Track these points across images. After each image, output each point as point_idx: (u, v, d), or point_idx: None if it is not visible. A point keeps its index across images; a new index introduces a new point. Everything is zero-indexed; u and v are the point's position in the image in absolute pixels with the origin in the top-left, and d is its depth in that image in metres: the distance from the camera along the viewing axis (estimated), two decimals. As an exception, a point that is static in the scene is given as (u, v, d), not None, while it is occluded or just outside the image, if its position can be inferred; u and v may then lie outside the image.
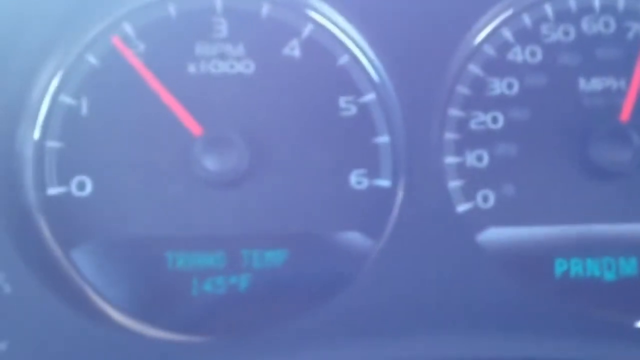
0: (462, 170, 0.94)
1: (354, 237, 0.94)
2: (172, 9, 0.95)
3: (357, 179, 0.94)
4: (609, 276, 0.93)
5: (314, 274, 0.94)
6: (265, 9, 0.95)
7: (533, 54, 0.95)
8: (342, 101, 0.94)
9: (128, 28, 0.95)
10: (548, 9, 0.95)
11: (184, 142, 0.92)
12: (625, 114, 0.93)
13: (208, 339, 0.91)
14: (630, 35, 0.95)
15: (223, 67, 0.94)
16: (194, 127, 0.92)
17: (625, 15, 0.95)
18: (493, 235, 0.94)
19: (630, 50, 0.94)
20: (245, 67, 0.94)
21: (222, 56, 0.94)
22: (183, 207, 0.93)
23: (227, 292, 0.93)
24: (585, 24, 0.95)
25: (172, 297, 0.93)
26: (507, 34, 0.95)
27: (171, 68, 0.94)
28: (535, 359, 0.89)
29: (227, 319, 0.93)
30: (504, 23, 0.95)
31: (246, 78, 0.94)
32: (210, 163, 0.90)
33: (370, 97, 0.94)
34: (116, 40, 0.94)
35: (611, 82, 0.94)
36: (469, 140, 0.94)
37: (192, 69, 0.94)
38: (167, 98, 0.93)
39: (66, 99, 0.94)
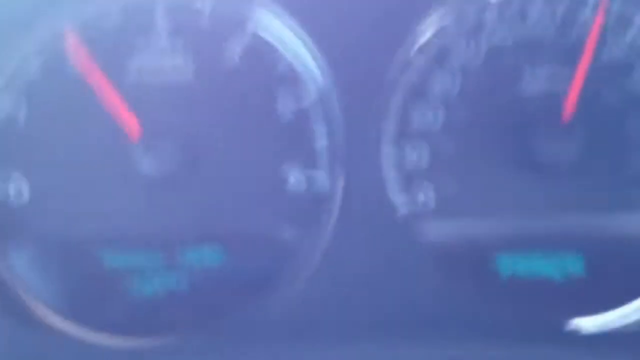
0: (401, 164, 0.91)
1: (292, 236, 0.92)
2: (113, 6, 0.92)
3: (293, 175, 0.91)
4: (554, 275, 0.91)
5: (252, 273, 0.92)
6: (206, 8, 0.92)
7: (477, 47, 0.91)
8: (281, 96, 0.92)
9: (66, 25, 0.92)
10: (492, 1, 0.92)
11: (120, 143, 0.91)
12: (568, 110, 0.90)
13: (146, 341, 0.90)
14: (577, 27, 0.91)
15: (161, 67, 0.92)
16: (134, 129, 0.90)
17: (572, 6, 0.91)
18: (433, 230, 0.92)
19: (576, 42, 0.90)
20: (184, 68, 0.92)
21: (161, 56, 0.92)
22: (119, 207, 0.92)
23: (164, 292, 0.91)
24: (530, 15, 0.91)
25: (109, 298, 0.92)
26: (451, 28, 0.92)
27: (108, 68, 0.92)
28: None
29: (165, 319, 0.92)
30: (448, 16, 0.92)
31: (185, 79, 0.92)
32: (147, 164, 0.90)
33: (309, 93, 0.92)
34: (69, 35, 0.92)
35: (556, 76, 0.90)
36: (410, 134, 0.91)
37: (129, 69, 0.92)
38: (111, 98, 0.91)
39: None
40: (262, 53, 0.92)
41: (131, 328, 0.91)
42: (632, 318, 0.90)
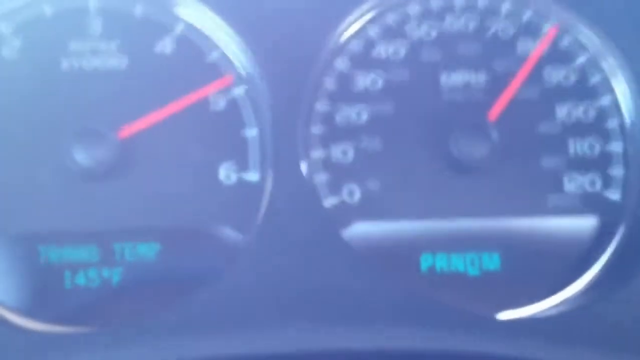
0: (328, 164, 0.95)
1: (224, 231, 0.95)
2: (47, 8, 0.96)
3: (225, 173, 0.95)
4: (473, 271, 0.95)
5: (186, 268, 0.95)
6: (138, 8, 0.96)
7: (397, 50, 0.96)
8: (212, 95, 0.95)
9: (4, 26, 0.96)
10: (412, 8, 0.97)
11: (55, 135, 0.93)
12: (494, 114, 0.94)
13: (81, 330, 0.92)
14: (490, 33, 0.97)
15: (96, 62, 0.95)
16: None
17: (485, 14, 0.97)
18: (359, 229, 0.95)
19: (490, 46, 0.96)
20: (118, 62, 0.95)
21: (95, 52, 0.95)
22: (54, 201, 0.94)
23: (100, 285, 0.94)
24: (447, 22, 0.97)
25: (46, 291, 0.94)
26: (372, 31, 0.97)
27: (45, 63, 0.95)
28: (400, 351, 0.90)
29: (101, 311, 0.94)
30: (370, 21, 0.97)
31: (119, 73, 0.95)
32: (81, 156, 0.92)
33: (238, 90, 0.95)
34: None
35: (471, 78, 0.96)
36: (335, 134, 0.95)
37: (65, 64, 0.95)
38: None
39: None
40: (194, 43, 0.96)
41: (67, 318, 0.93)
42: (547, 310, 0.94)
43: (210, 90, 0.95)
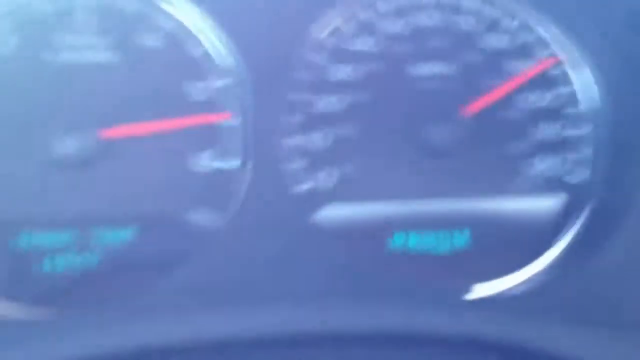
0: (304, 151, 0.99)
1: (202, 217, 0.97)
2: (37, 3, 0.97)
3: (205, 160, 0.97)
4: (444, 248, 0.99)
5: (162, 251, 0.97)
6: (126, 2, 0.98)
7: (371, 43, 1.01)
8: (196, 84, 0.98)
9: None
10: (383, 6, 1.02)
11: (37, 127, 0.95)
12: (471, 109, 1.00)
13: (59, 314, 0.94)
14: (457, 26, 1.02)
15: (84, 56, 0.97)
16: None
17: (450, 10, 1.03)
18: (332, 212, 0.98)
19: (455, 39, 1.02)
20: (105, 56, 0.97)
21: (84, 46, 0.97)
22: (34, 187, 0.95)
23: (78, 269, 0.95)
24: (416, 17, 1.02)
25: (24, 275, 0.95)
26: (348, 25, 1.01)
27: (30, 55, 0.97)
28: (371, 331, 0.94)
29: (79, 294, 0.96)
30: (346, 15, 1.01)
31: (105, 66, 0.97)
32: (61, 144, 0.94)
33: (221, 82, 0.98)
34: None
35: (440, 68, 1.01)
36: (313, 122, 0.99)
37: (53, 58, 0.97)
38: None
39: None
40: (180, 36, 0.98)
41: (46, 302, 0.94)
42: (513, 285, 0.99)
43: (210, 119, 0.98)
